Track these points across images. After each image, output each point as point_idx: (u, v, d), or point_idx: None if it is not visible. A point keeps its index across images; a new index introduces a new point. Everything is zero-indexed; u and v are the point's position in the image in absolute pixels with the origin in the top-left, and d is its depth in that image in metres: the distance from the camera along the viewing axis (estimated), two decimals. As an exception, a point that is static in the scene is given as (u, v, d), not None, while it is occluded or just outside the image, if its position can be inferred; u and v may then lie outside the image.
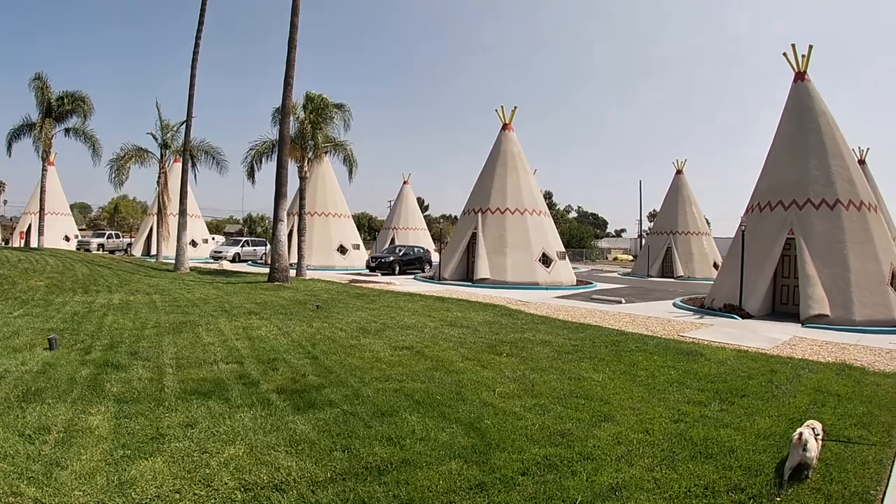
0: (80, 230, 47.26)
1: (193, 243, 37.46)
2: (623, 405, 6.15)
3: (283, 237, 19.80)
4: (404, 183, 46.41)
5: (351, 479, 3.99)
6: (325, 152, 28.54)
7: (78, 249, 35.63)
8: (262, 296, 14.77)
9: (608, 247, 78.56)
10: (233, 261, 34.53)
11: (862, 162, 28.69)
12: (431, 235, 45.64)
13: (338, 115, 24.77)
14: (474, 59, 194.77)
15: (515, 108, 25.87)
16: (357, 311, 12.39)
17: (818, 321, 13.86)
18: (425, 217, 78.98)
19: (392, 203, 47.73)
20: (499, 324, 11.63)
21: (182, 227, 23.91)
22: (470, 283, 22.73)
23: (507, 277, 22.59)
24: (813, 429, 4.39)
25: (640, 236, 65.85)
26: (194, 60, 24.33)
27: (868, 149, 29.76)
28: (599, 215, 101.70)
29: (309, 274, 24.06)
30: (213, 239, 47.55)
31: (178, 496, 3.67)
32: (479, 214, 24.38)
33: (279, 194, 19.62)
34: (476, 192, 25.49)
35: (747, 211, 17.26)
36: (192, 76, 24.37)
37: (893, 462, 4.87)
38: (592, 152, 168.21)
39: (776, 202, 16.04)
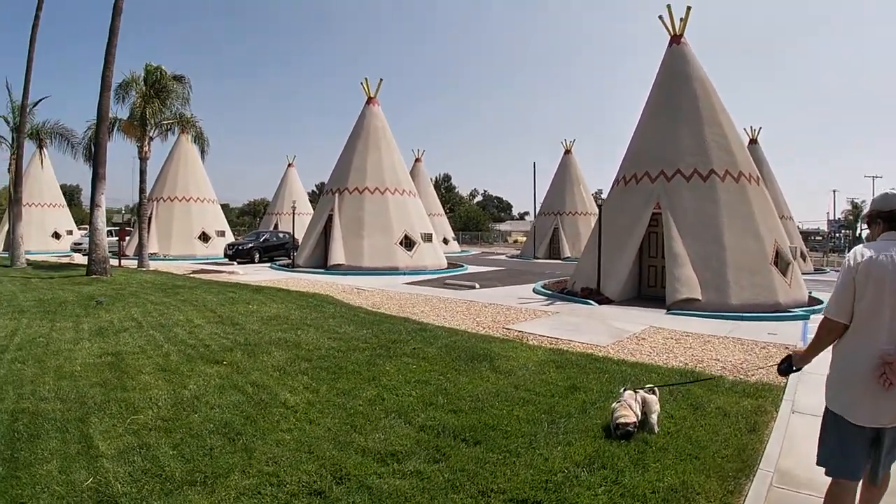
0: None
1: (56, 235, 34.84)
2: (256, 462, 3.77)
3: (101, 224, 18.21)
4: (289, 166, 43.13)
5: None
6: (168, 130, 25.18)
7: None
8: (61, 292, 13.08)
9: (510, 229, 77.73)
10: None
11: (754, 141, 27.82)
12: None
13: (178, 88, 22.13)
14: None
15: (381, 80, 23.62)
16: (135, 307, 10.73)
17: (687, 306, 11.87)
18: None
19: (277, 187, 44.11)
20: (284, 319, 9.56)
21: (17, 217, 21.67)
22: (324, 271, 19.90)
23: (363, 263, 19.93)
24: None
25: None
26: (34, 29, 20.78)
27: (760, 128, 28.79)
28: (504, 199, 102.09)
29: (157, 265, 22.25)
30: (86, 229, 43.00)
31: None
32: (337, 195, 21.57)
33: (97, 176, 17.88)
34: (336, 171, 22.81)
35: (613, 185, 15.24)
36: (31, 49, 20.94)
37: None
38: (504, 137, 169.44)
39: (642, 174, 14.07)
